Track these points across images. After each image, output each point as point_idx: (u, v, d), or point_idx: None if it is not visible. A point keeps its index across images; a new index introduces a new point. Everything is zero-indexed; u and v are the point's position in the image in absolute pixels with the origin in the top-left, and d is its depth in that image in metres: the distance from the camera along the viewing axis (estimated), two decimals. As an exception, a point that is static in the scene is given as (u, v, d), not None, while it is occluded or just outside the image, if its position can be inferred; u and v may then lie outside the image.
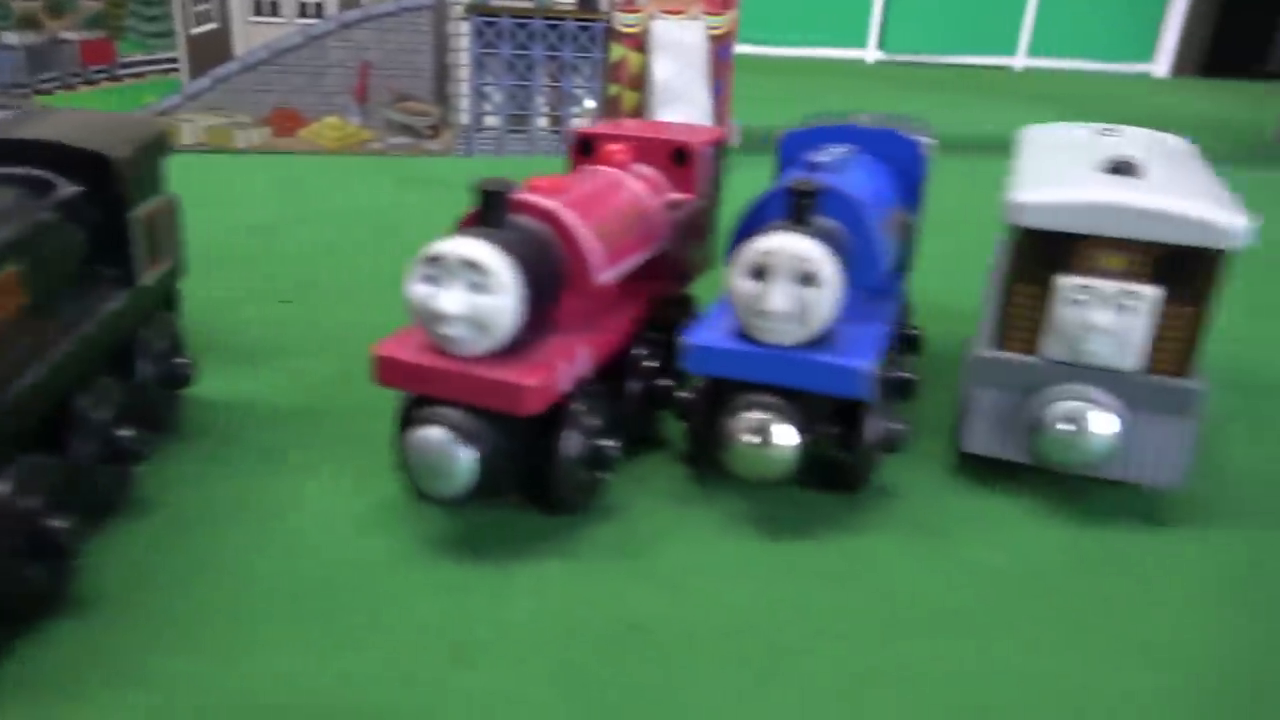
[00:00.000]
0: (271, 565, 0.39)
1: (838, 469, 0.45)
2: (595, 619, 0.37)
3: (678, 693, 0.33)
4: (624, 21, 1.14)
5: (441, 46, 1.12)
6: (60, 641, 0.34)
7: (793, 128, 0.54)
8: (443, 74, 1.14)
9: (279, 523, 0.42)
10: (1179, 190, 0.42)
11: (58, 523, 0.34)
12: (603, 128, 0.53)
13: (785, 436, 0.40)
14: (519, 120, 1.18)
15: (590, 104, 1.18)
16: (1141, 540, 0.43)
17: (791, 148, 0.54)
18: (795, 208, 0.41)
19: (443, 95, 1.15)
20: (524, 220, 0.40)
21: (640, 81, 1.18)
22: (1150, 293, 0.41)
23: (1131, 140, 0.54)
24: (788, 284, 0.39)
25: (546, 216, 0.40)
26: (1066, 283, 0.42)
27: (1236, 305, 0.75)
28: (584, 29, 1.14)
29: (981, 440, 0.46)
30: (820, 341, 0.41)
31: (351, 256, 0.81)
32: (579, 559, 0.40)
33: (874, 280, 0.44)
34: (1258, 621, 0.38)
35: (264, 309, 0.68)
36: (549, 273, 0.40)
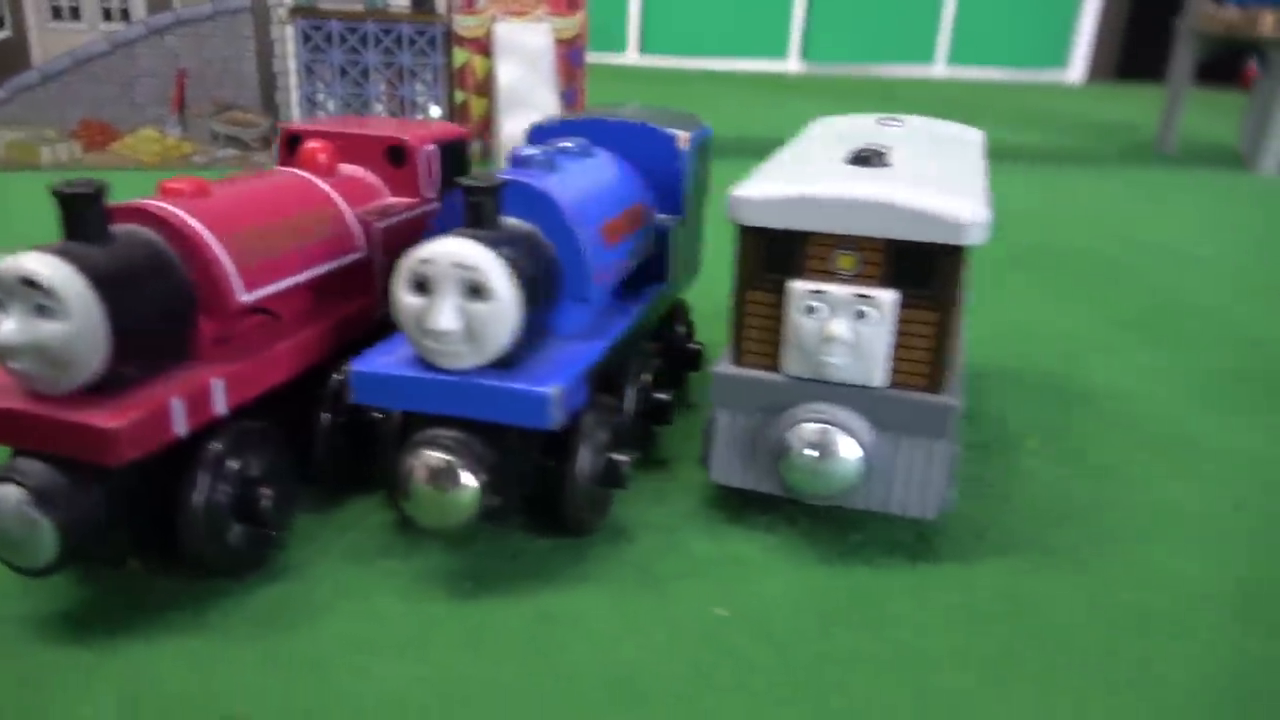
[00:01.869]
0: None
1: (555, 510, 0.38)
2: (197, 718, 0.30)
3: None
4: (464, 24, 1.08)
5: (265, 52, 1.05)
6: None
7: (541, 122, 0.48)
8: (269, 82, 1.06)
9: None
10: (919, 181, 0.37)
11: None
12: (313, 124, 0.47)
13: (463, 478, 0.34)
14: (357, 130, 1.11)
15: (436, 111, 1.11)
16: (886, 586, 0.37)
17: (539, 142, 0.48)
18: (469, 208, 0.34)
19: (271, 104, 1.07)
20: (134, 231, 0.33)
21: (487, 87, 1.12)
22: (886, 297, 0.36)
23: (907, 130, 0.49)
24: (453, 298, 0.33)
25: (160, 224, 0.34)
26: (797, 288, 0.37)
27: (1074, 309, 0.72)
28: (421, 32, 1.08)
29: (727, 469, 0.40)
30: (506, 364, 0.35)
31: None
32: (207, 638, 0.33)
33: (583, 290, 0.38)
34: (1004, 687, 0.33)
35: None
36: (158, 292, 0.33)
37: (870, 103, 2.13)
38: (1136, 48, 3.13)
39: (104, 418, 0.30)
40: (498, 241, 0.34)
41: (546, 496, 0.38)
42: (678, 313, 0.52)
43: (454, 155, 0.48)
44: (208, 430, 0.34)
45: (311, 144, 0.43)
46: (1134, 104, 2.33)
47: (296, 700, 0.30)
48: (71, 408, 0.31)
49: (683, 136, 0.47)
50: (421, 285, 0.34)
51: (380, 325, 0.43)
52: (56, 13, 1.01)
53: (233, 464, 0.34)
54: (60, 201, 0.31)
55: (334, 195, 0.41)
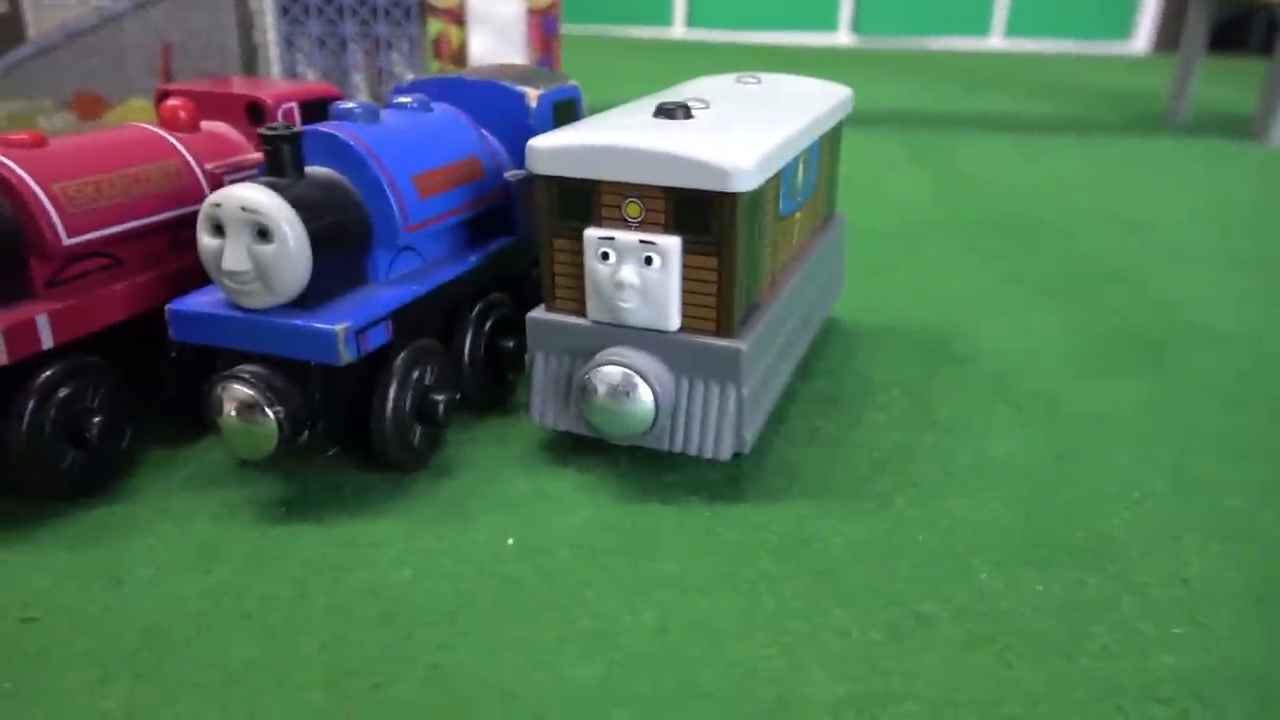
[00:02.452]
0: None
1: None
2: None
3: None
4: (437, -5, 1.10)
5: (246, 24, 1.09)
6: None
7: (400, 83, 0.50)
8: (250, 54, 1.10)
9: None
10: (705, 133, 0.38)
11: None
12: (181, 84, 0.49)
13: (258, 412, 0.36)
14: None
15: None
16: (676, 522, 0.39)
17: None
18: (266, 156, 0.37)
19: (253, 75, 1.11)
20: (-43, 177, 0.36)
21: (463, 57, 1.14)
22: (669, 243, 0.37)
23: (758, 89, 0.50)
24: (243, 240, 0.36)
25: (-16, 172, 0.37)
26: (591, 235, 0.38)
27: (988, 274, 0.71)
28: (396, 3, 1.10)
29: (543, 411, 0.42)
30: (306, 304, 0.37)
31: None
32: (22, 550, 0.36)
33: (395, 237, 0.40)
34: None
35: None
36: (-21, 233, 0.36)
37: (914, 76, 2.10)
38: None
39: (-85, 345, 0.33)
40: (287, 188, 0.36)
41: (365, 431, 0.40)
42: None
43: (318, 114, 0.50)
44: (36, 362, 0.37)
45: (171, 102, 0.46)
46: (1206, 77, 2.24)
47: (87, 606, 0.33)
48: (-111, 336, 0.34)
49: (532, 94, 0.48)
50: (219, 228, 0.36)
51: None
52: (48, -12, 1.06)
53: (63, 393, 0.38)
54: (-116, 149, 0.34)
55: (181, 148, 0.44)
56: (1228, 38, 2.76)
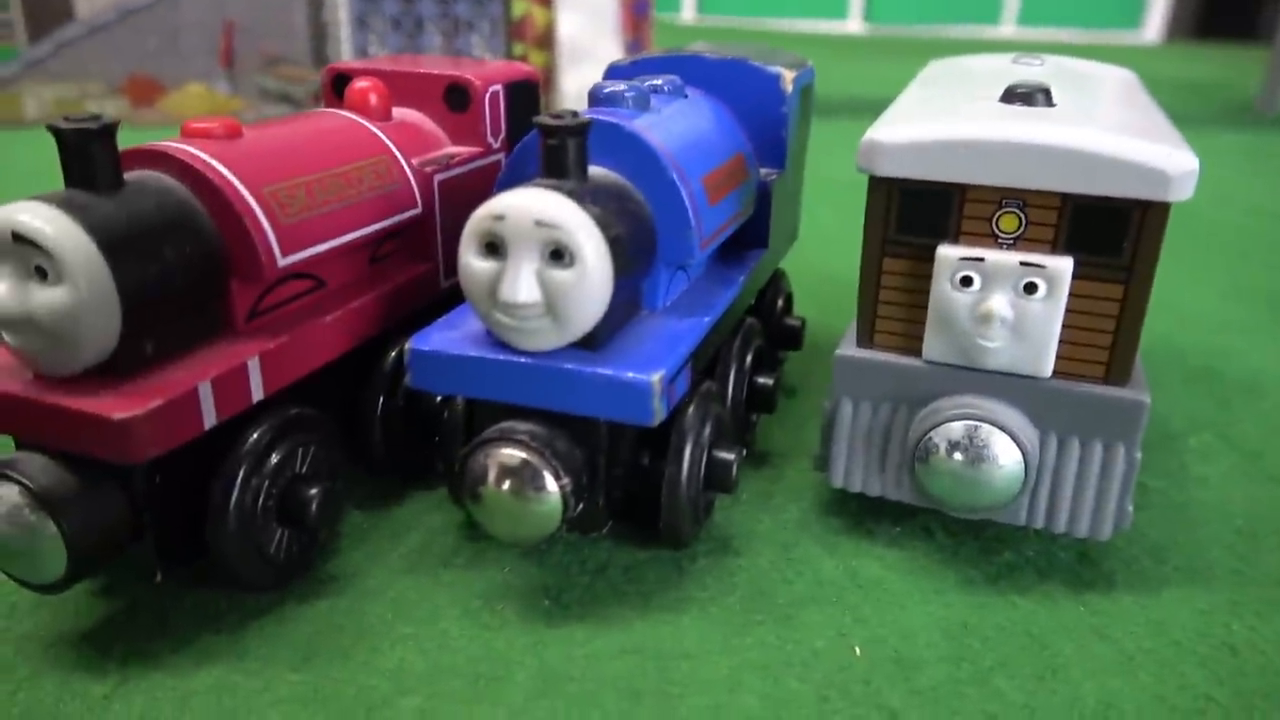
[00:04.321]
0: None
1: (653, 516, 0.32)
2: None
3: None
4: (524, -29, 1.01)
5: (316, 2, 0.99)
6: None
7: (618, 61, 0.41)
8: (320, 33, 1.01)
9: None
10: (1099, 123, 0.30)
11: None
12: (367, 62, 0.41)
13: (544, 482, 0.28)
14: (410, 86, 1.05)
15: (493, 67, 1.05)
16: (1050, 622, 0.31)
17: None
18: (547, 152, 0.28)
19: (322, 58, 1.02)
20: (151, 179, 0.28)
21: (548, 40, 1.05)
22: (1060, 266, 0.29)
23: (1052, 68, 0.42)
24: (532, 262, 0.27)
25: (185, 171, 0.28)
26: (948, 255, 0.30)
27: (1207, 284, 0.64)
28: (478, -20, 1.01)
29: (849, 472, 0.34)
30: (592, 343, 0.29)
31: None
32: (244, 664, 0.28)
33: (684, 254, 0.31)
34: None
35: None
36: (181, 252, 0.27)
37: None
38: (1216, 5, 2.93)
39: (116, 406, 0.25)
40: (584, 194, 0.28)
41: (640, 502, 0.32)
42: (776, 283, 0.45)
43: (523, 98, 0.41)
44: (243, 418, 0.28)
45: (361, 83, 0.37)
46: (1222, 64, 2.17)
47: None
48: (78, 393, 0.25)
49: (787, 76, 0.40)
50: (493, 247, 0.28)
51: (447, 297, 0.37)
52: (100, -39, 0.96)
53: (275, 458, 0.29)
54: (60, 140, 0.26)
55: (388, 142, 0.35)
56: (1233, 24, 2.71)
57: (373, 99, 0.37)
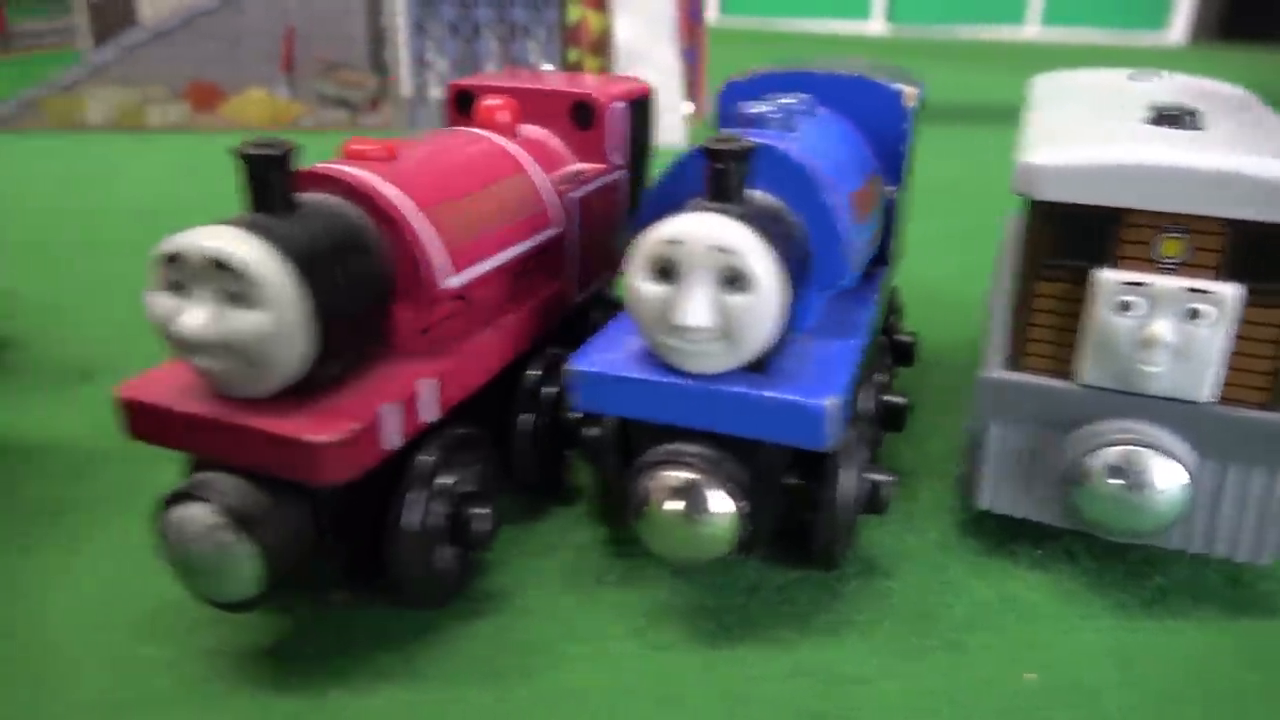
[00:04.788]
0: (7, 697, 0.27)
1: (803, 536, 0.33)
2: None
3: None
4: (582, -23, 1.02)
5: (374, 8, 1.00)
6: None
7: (735, 77, 0.41)
8: (378, 39, 1.01)
9: (30, 621, 0.30)
10: (1257, 147, 0.30)
11: None
12: (487, 78, 0.41)
13: (718, 503, 0.28)
14: (467, 91, 1.05)
15: (548, 69, 1.05)
16: (1216, 648, 0.30)
17: (733, 101, 0.42)
18: (714, 176, 0.28)
19: (380, 63, 1.03)
20: (323, 201, 0.28)
21: (603, 45, 1.05)
22: (1227, 292, 0.29)
23: (1176, 86, 0.42)
24: (707, 286, 0.27)
25: (357, 195, 0.28)
26: (1108, 279, 0.30)
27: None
28: (536, -14, 1.01)
29: (997, 494, 0.34)
30: (762, 366, 0.29)
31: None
32: (424, 684, 0.28)
33: (837, 276, 0.31)
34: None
35: (119, 312, 0.56)
36: (359, 275, 0.27)
37: (963, 62, 2.02)
38: (1241, 6, 2.91)
39: (311, 429, 0.25)
40: (755, 219, 0.28)
41: (797, 524, 0.32)
42: (892, 300, 0.45)
43: (640, 114, 0.42)
44: (415, 438, 0.29)
45: (490, 101, 0.37)
46: (1247, 66, 2.15)
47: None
48: (270, 415, 0.26)
49: (909, 93, 0.40)
50: (665, 271, 0.28)
51: (578, 312, 0.38)
52: (164, -33, 0.97)
53: (444, 479, 0.29)
54: (247, 165, 0.26)
55: (528, 160, 0.35)
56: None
57: (503, 117, 0.37)
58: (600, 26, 1.04)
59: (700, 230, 0.27)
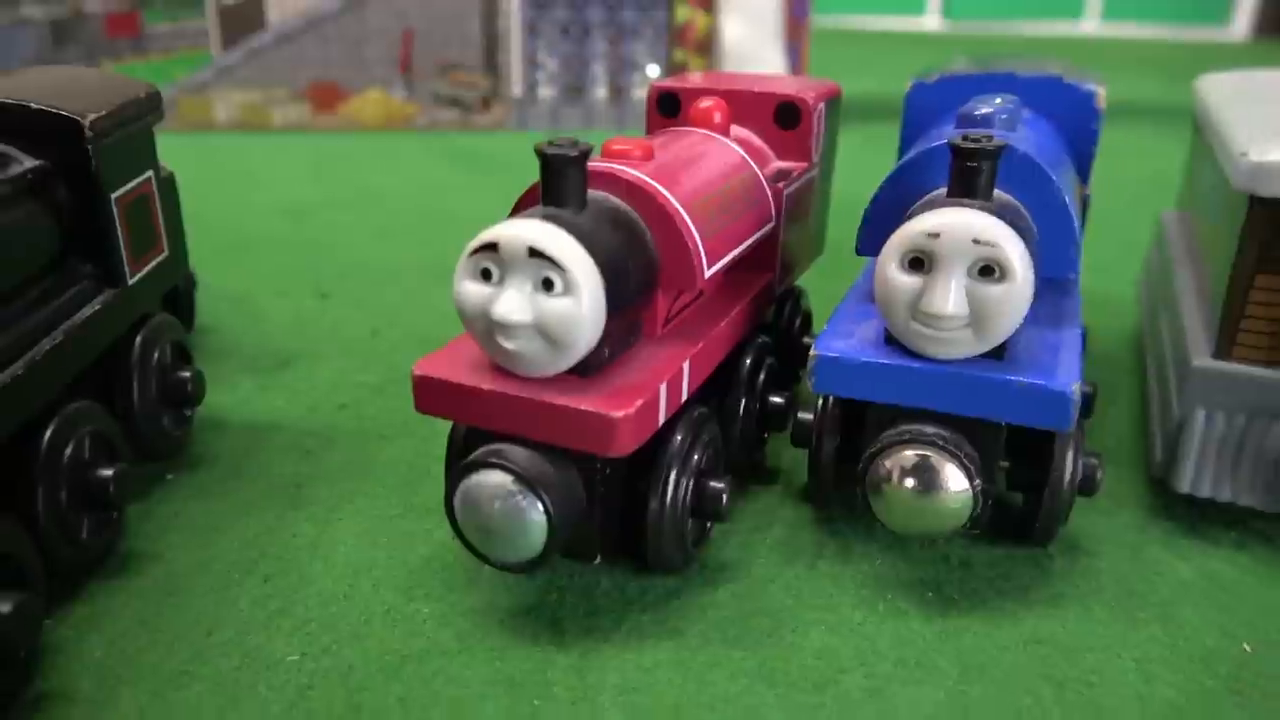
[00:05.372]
0: (283, 646, 0.30)
1: (1017, 516, 0.34)
2: (708, 733, 0.27)
3: None
4: (690, -22, 1.04)
5: (490, 11, 1.03)
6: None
7: (920, 77, 0.43)
8: (492, 42, 1.05)
9: (299, 583, 0.33)
10: None
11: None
12: (690, 80, 0.43)
13: (955, 481, 0.30)
14: (575, 91, 1.08)
15: (653, 71, 1.08)
16: None
17: (923, 103, 0.44)
18: (964, 174, 0.30)
19: (493, 65, 1.06)
20: (602, 197, 0.31)
21: (708, 46, 1.07)
22: None
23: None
24: (961, 277, 0.29)
25: (631, 191, 0.31)
26: (1335, 272, 0.31)
27: None
28: (646, -12, 1.04)
29: (1200, 478, 0.35)
30: (1001, 354, 0.31)
31: (396, 243, 0.72)
32: (685, 643, 0.30)
33: (1066, 269, 0.33)
34: None
35: (293, 304, 0.60)
36: (638, 266, 0.30)
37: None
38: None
39: (609, 404, 0.28)
40: (1007, 214, 0.30)
41: (1022, 505, 0.34)
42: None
43: (833, 113, 0.44)
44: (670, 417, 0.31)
45: (705, 103, 0.40)
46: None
47: (810, 723, 0.27)
48: (567, 393, 0.28)
49: (1101, 93, 0.41)
50: (918, 262, 0.30)
51: (785, 301, 0.40)
52: (293, -28, 1.01)
53: (695, 457, 0.32)
54: (546, 164, 0.28)
55: (749, 159, 0.37)
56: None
57: (717, 117, 0.39)
58: (706, 26, 1.06)
59: (962, 224, 0.29)
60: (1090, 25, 2.96)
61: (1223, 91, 0.44)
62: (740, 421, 0.37)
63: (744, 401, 0.37)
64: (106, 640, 0.30)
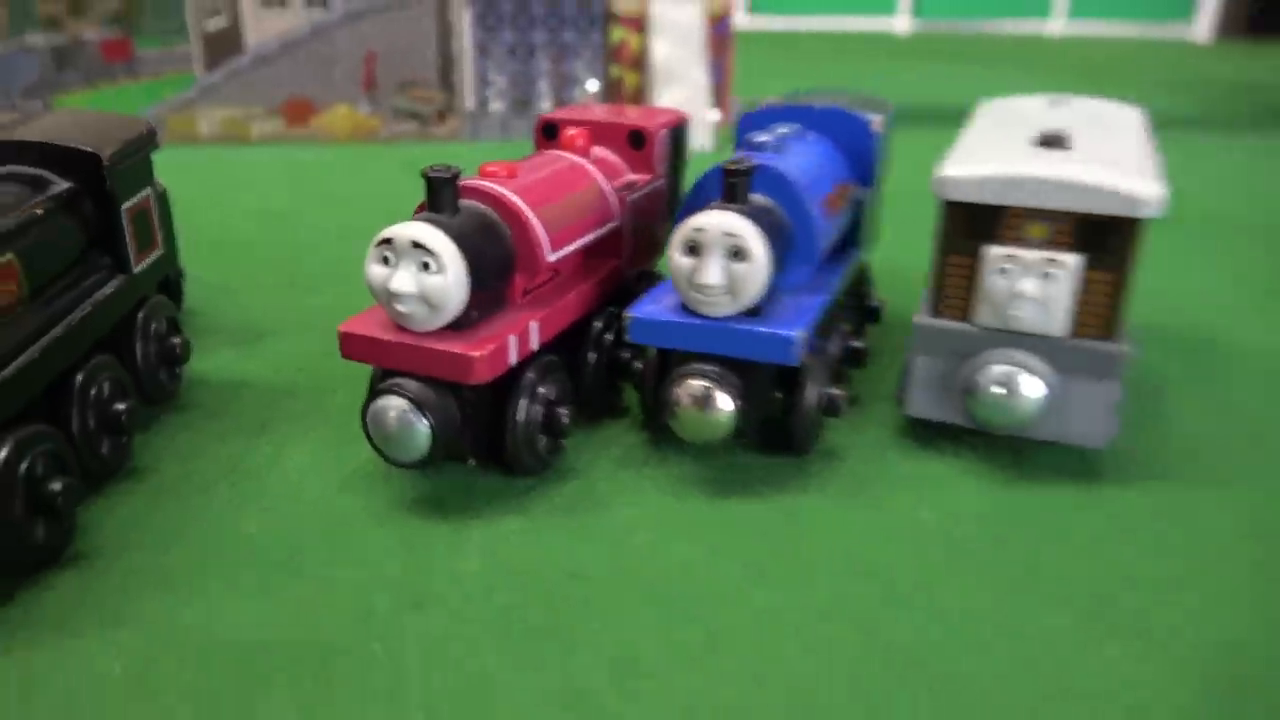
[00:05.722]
0: (251, 522, 0.43)
1: (783, 433, 0.47)
2: (543, 570, 0.40)
3: (612, 633, 0.36)
4: (623, 4, 1.17)
5: (445, 34, 1.16)
6: (58, 588, 0.38)
7: (747, 108, 0.56)
8: (447, 62, 1.17)
9: (260, 485, 0.46)
10: (1101, 161, 0.44)
11: (56, 485, 0.38)
12: (565, 113, 0.56)
13: (723, 402, 0.43)
14: (522, 104, 1.21)
15: (593, 86, 1.20)
16: (1071, 497, 0.45)
17: (747, 128, 0.56)
18: (728, 187, 0.43)
19: (448, 82, 1.18)
20: (473, 205, 0.43)
21: (641, 63, 1.20)
22: (1072, 261, 0.43)
23: (1075, 111, 0.56)
24: (719, 259, 0.42)
25: (493, 201, 0.43)
26: (993, 253, 0.44)
27: (1221, 272, 0.76)
28: (583, 12, 1.16)
29: (921, 404, 0.48)
30: (755, 312, 0.44)
31: (357, 241, 0.85)
32: (531, 517, 0.43)
33: (812, 254, 0.46)
34: (1165, 559, 0.40)
35: (267, 292, 0.72)
36: (496, 253, 0.43)
37: (980, 65, 2.12)
38: (1271, 2, 2.96)
39: (469, 347, 0.40)
40: (753, 213, 0.43)
41: (778, 422, 0.47)
42: (863, 274, 0.60)
43: (677, 136, 0.56)
44: (522, 361, 0.44)
45: (572, 130, 0.52)
46: (1275, 62, 2.24)
47: (614, 563, 0.40)
48: (442, 341, 0.41)
49: (876, 120, 0.54)
50: (693, 248, 0.43)
51: (636, 280, 0.53)
52: (266, 2, 1.14)
53: (541, 389, 0.44)
54: (429, 183, 0.41)
55: (598, 174, 0.50)
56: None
57: (580, 142, 0.52)
58: (639, 46, 1.19)
59: (717, 221, 0.42)
60: (1058, 24, 3.08)
61: (982, 114, 0.57)
62: (591, 369, 0.50)
63: (594, 355, 0.50)
64: (118, 522, 0.43)
